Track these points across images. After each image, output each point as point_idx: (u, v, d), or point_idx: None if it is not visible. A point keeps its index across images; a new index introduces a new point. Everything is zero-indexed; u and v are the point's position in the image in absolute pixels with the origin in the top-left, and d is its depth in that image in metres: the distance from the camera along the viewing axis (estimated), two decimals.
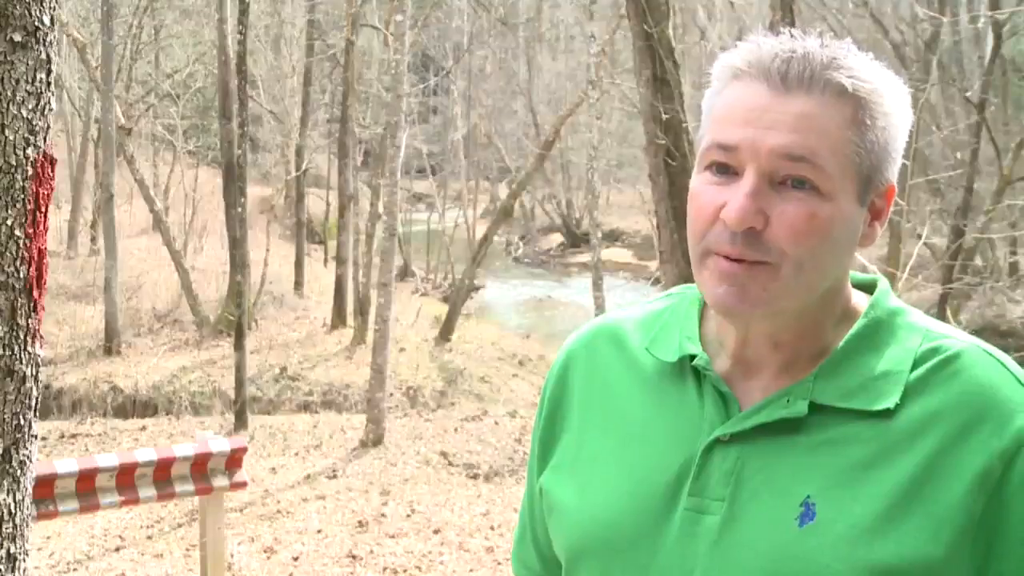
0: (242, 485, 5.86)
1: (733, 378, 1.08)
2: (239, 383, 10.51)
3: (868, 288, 1.11)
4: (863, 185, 1.00)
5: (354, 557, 6.59)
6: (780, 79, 0.99)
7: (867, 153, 0.99)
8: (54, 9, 1.78)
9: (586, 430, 1.16)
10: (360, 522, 7.31)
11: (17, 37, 1.72)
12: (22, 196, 1.75)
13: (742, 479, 1.02)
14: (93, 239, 19.40)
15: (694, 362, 1.09)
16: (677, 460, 1.06)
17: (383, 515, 7.48)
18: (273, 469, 8.79)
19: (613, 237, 29.06)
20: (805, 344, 1.05)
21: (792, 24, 6.04)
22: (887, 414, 0.99)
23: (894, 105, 1.01)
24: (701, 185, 1.03)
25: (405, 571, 6.39)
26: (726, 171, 1.01)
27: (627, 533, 1.06)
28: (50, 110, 1.80)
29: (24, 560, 1.86)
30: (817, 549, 0.96)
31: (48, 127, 1.80)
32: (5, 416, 1.78)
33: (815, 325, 1.05)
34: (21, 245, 1.76)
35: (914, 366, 1.01)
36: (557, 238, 31.85)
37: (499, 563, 6.53)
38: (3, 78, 1.71)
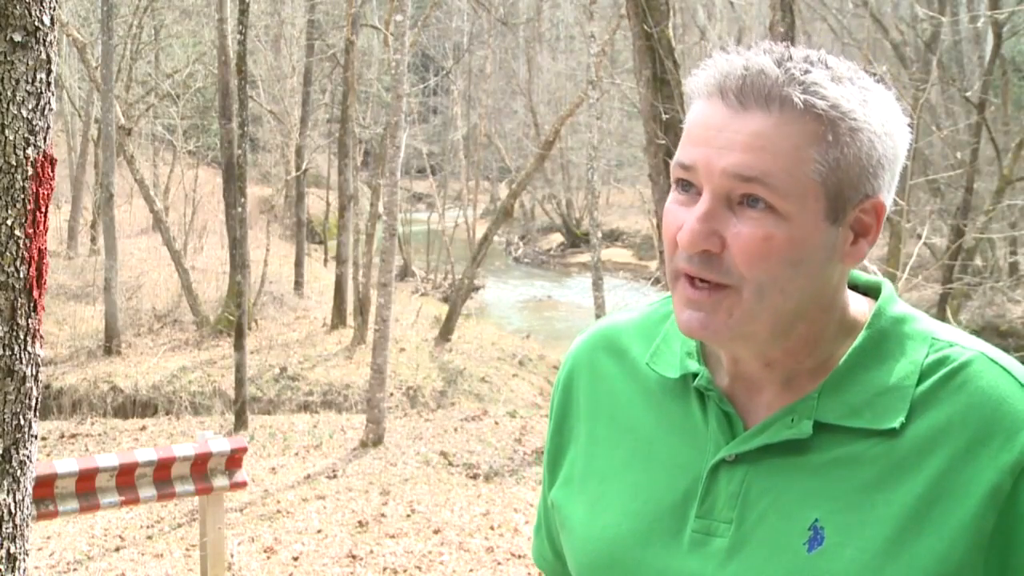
0: (242, 485, 5.87)
1: (736, 394, 1.06)
2: (239, 383, 10.51)
3: (871, 291, 1.08)
4: (832, 203, 0.96)
5: (354, 557, 6.58)
6: (735, 97, 0.96)
7: (832, 170, 0.95)
8: (54, 9, 1.77)
9: (594, 443, 1.15)
10: (360, 522, 7.31)
11: (17, 37, 1.72)
12: (22, 196, 1.75)
13: (749, 501, 1.01)
14: (93, 239, 19.43)
15: (696, 382, 1.07)
16: (683, 480, 1.05)
17: (383, 515, 7.47)
18: (273, 469, 8.79)
19: (613, 237, 29.08)
20: (799, 360, 1.03)
21: (792, 24, 6.04)
22: (894, 432, 0.97)
23: (870, 117, 0.96)
24: (670, 204, 1.02)
25: (405, 571, 6.39)
26: (691, 189, 1.00)
27: (635, 554, 1.05)
28: (50, 110, 1.80)
29: (24, 560, 1.85)
30: (827, 575, 0.95)
31: (48, 127, 1.80)
32: (5, 416, 1.78)
33: (806, 342, 1.02)
34: (21, 245, 1.76)
35: (920, 379, 0.99)
36: (557, 238, 31.85)
37: (499, 563, 6.52)
38: (3, 78, 1.71)
